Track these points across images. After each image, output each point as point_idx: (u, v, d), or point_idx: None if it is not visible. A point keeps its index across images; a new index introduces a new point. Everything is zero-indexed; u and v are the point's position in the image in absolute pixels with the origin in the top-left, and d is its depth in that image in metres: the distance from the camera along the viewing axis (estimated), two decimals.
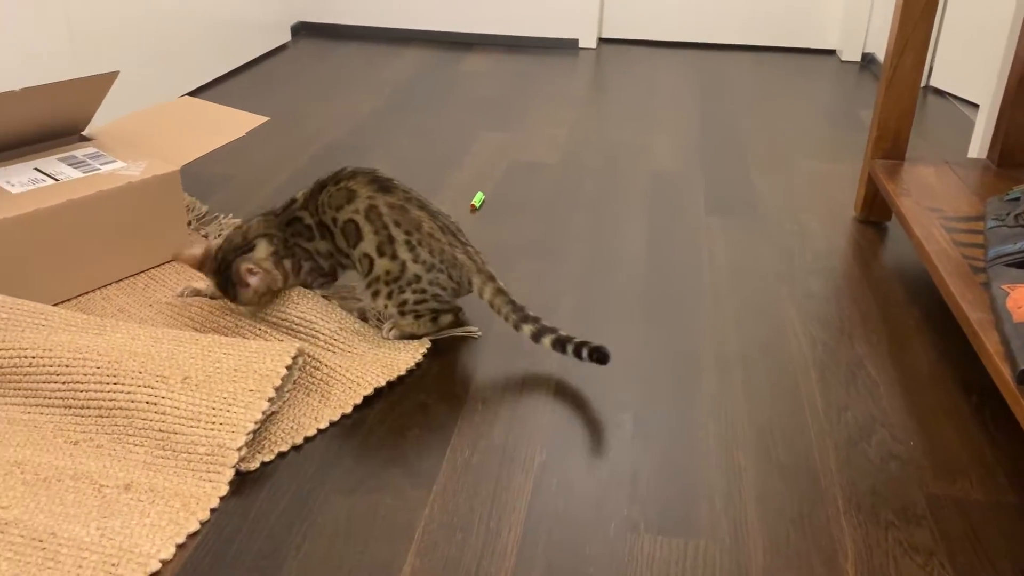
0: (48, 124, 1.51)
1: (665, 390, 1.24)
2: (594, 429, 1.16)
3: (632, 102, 2.57)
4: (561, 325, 1.39)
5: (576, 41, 3.15)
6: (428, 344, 1.30)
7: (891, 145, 1.73)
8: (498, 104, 2.52)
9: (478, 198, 1.83)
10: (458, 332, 1.33)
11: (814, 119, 2.45)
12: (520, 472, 1.07)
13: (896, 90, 1.67)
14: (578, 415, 1.18)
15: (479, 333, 1.34)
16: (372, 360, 1.26)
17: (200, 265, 1.29)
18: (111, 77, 1.52)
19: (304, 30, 3.27)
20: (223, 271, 1.28)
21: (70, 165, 1.46)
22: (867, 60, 3.06)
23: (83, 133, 1.61)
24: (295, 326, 1.30)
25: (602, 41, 3.26)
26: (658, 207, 1.85)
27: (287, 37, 3.10)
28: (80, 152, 1.51)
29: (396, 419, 1.16)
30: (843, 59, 3.11)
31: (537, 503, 1.02)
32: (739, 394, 1.24)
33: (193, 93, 2.50)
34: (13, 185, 1.37)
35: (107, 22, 2.08)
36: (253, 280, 1.26)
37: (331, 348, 1.29)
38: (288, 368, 1.13)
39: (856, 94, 2.71)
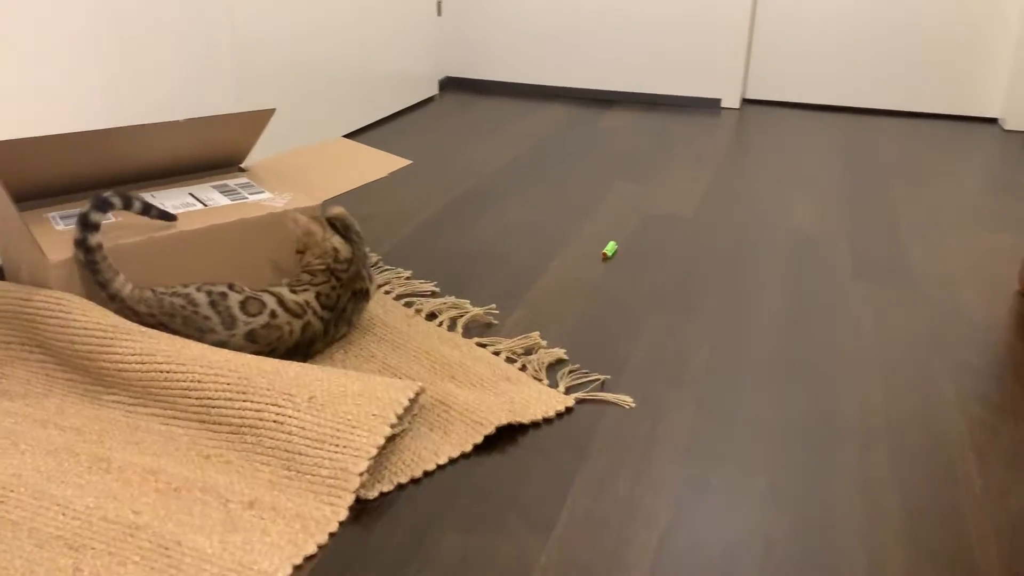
0: (208, 155, 1.60)
1: (803, 456, 1.16)
2: (725, 490, 1.09)
3: (774, 162, 2.50)
4: (691, 381, 1.34)
5: (718, 101, 3.12)
6: (570, 402, 1.26)
7: None
8: (635, 158, 2.51)
9: (610, 247, 1.81)
10: (609, 398, 1.29)
11: (974, 187, 2.31)
12: (644, 528, 1.02)
13: None
14: (708, 473, 1.12)
15: (632, 404, 1.28)
16: (499, 399, 1.24)
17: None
18: (268, 114, 1.60)
19: (451, 84, 3.38)
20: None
21: (221, 192, 1.53)
22: None
23: (240, 166, 1.69)
24: (427, 353, 1.30)
25: (746, 102, 3.20)
26: (799, 268, 1.77)
27: (435, 90, 3.21)
28: (233, 182, 1.59)
29: (516, 462, 1.13)
30: (1006, 128, 2.93)
31: (661, 563, 0.96)
32: (885, 468, 1.14)
33: (345, 137, 2.60)
34: (167, 208, 1.45)
35: (271, 65, 2.21)
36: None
37: (457, 380, 1.28)
38: (410, 401, 1.13)
39: (1022, 164, 2.55)
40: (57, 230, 1.35)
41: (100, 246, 1.25)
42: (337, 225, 1.39)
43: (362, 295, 1.39)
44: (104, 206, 1.25)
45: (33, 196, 1.45)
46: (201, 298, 1.26)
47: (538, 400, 1.25)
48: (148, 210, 1.33)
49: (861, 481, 1.11)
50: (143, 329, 1.22)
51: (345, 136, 2.62)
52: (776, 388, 1.33)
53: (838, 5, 3.01)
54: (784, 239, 1.92)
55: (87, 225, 1.24)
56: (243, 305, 1.26)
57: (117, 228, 1.36)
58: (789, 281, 1.71)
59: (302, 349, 1.31)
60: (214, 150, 1.60)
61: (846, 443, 1.19)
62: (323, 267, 1.34)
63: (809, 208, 2.13)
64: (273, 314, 1.27)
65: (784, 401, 1.29)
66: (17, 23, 1.51)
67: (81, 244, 1.24)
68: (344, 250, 1.36)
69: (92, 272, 1.24)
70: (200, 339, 1.24)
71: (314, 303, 1.31)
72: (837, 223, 2.03)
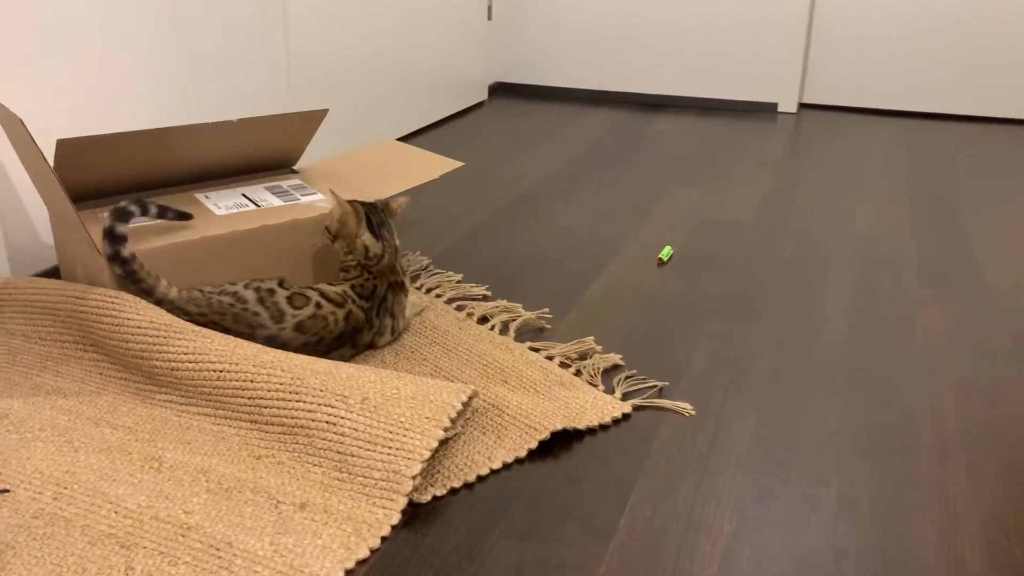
0: (261, 156, 1.60)
1: (873, 467, 1.11)
2: (791, 501, 1.04)
3: (835, 167, 2.44)
4: (752, 388, 1.30)
5: (775, 105, 3.05)
6: (627, 409, 1.22)
7: None
8: (689, 163, 2.46)
9: (666, 252, 1.77)
10: (667, 405, 1.25)
11: None
12: (707, 539, 0.97)
13: None
14: (773, 484, 1.07)
15: (691, 411, 1.24)
16: (552, 404, 1.20)
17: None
18: (321, 114, 1.59)
19: (501, 90, 3.37)
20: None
21: (274, 194, 1.52)
22: None
23: (293, 168, 1.69)
24: (479, 357, 1.27)
25: (803, 106, 3.13)
26: (863, 274, 1.71)
27: (484, 96, 3.20)
28: (285, 183, 1.58)
29: (572, 468, 1.10)
30: None
31: (725, 575, 0.92)
32: (962, 480, 1.08)
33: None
34: (219, 208, 1.45)
35: (324, 70, 2.21)
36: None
37: (510, 385, 1.25)
38: (463, 405, 1.10)
39: None
40: None
41: (134, 256, 1.25)
42: (372, 220, 1.38)
43: (398, 287, 1.39)
44: (125, 216, 1.24)
45: (89, 195, 1.46)
46: (250, 295, 1.26)
47: (594, 406, 1.22)
48: (164, 212, 1.32)
49: (936, 494, 1.05)
50: (196, 328, 1.21)
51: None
52: (842, 396, 1.27)
53: (899, 6, 2.93)
54: (848, 244, 1.86)
55: (116, 238, 1.23)
56: (290, 300, 1.27)
57: (169, 228, 1.36)
58: (854, 287, 1.65)
59: (348, 337, 1.31)
60: (267, 151, 1.60)
61: (918, 454, 1.13)
62: (355, 263, 1.37)
63: (873, 213, 2.06)
64: (318, 305, 1.28)
65: (851, 410, 1.24)
66: (78, 25, 1.53)
67: (115, 258, 1.24)
68: (374, 247, 1.36)
69: (133, 282, 1.24)
70: (251, 335, 1.24)
71: (351, 293, 1.33)
72: (903, 229, 1.96)
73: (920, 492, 1.06)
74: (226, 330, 1.24)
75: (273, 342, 1.24)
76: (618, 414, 1.21)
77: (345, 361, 1.30)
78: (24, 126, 1.21)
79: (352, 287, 1.34)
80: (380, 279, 1.36)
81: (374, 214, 1.39)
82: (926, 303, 1.58)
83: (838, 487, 1.07)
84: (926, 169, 2.42)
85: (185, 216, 1.36)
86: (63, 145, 1.31)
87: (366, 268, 1.36)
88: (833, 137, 2.76)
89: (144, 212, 1.29)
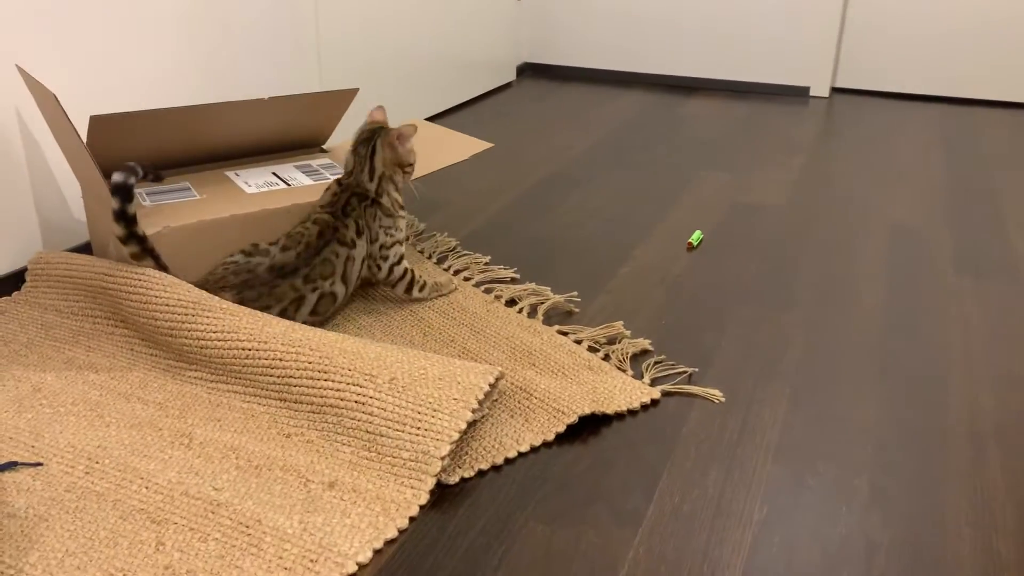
0: (292, 134, 1.60)
1: (906, 458, 1.09)
2: (823, 489, 1.03)
3: (868, 152, 2.40)
4: (785, 376, 1.29)
5: (807, 89, 3.00)
6: (656, 394, 1.21)
7: None
8: (720, 146, 2.43)
9: (696, 236, 1.75)
10: (697, 391, 1.23)
11: None
12: (737, 527, 0.96)
13: None
14: (804, 471, 1.06)
15: (721, 398, 1.22)
16: (581, 388, 1.20)
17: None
18: (351, 93, 1.58)
19: (529, 70, 3.34)
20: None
21: (304, 172, 1.52)
22: None
23: (323, 147, 1.68)
24: (507, 339, 1.27)
25: (835, 90, 3.08)
26: (898, 261, 1.68)
27: (512, 76, 3.17)
28: (315, 162, 1.58)
29: (601, 453, 1.09)
30: None
31: (755, 563, 0.91)
32: (997, 474, 1.06)
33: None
34: (250, 186, 1.45)
35: (354, 49, 2.20)
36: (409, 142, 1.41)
37: (538, 368, 1.24)
38: (490, 386, 1.09)
39: None
40: (144, 206, 1.36)
41: (152, 248, 1.28)
42: (360, 139, 1.41)
43: (362, 197, 1.39)
44: (126, 192, 1.23)
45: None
46: (238, 256, 1.32)
47: (622, 391, 1.21)
48: (145, 175, 1.29)
49: (971, 487, 1.04)
50: (225, 306, 1.21)
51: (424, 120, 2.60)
52: (876, 385, 1.25)
53: None
54: (882, 230, 1.83)
55: (128, 219, 1.23)
56: (275, 243, 1.34)
57: (201, 204, 1.37)
58: (888, 274, 1.62)
59: (329, 235, 1.35)
60: (298, 129, 1.59)
61: (953, 446, 1.12)
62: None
63: (908, 199, 2.02)
64: (289, 233, 1.36)
65: (885, 399, 1.22)
66: (112, 3, 1.53)
67: (141, 245, 1.26)
68: (348, 163, 1.41)
69: (165, 268, 1.27)
70: (252, 273, 1.28)
71: (317, 209, 1.39)
72: (938, 215, 1.92)
73: (955, 484, 1.04)
74: (240, 292, 1.27)
75: (273, 268, 1.30)
76: (647, 399, 1.20)
77: (342, 258, 1.35)
78: (58, 102, 1.22)
79: (321, 206, 1.39)
80: (345, 191, 1.39)
81: (369, 135, 1.41)
82: (962, 292, 1.55)
83: (871, 477, 1.05)
84: (961, 155, 2.38)
85: (159, 177, 1.36)
86: (96, 121, 1.32)
87: (338, 181, 1.41)
88: (866, 122, 2.72)
89: (136, 176, 1.25)
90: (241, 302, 1.26)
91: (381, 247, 1.40)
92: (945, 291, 1.55)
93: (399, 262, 1.42)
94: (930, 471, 1.07)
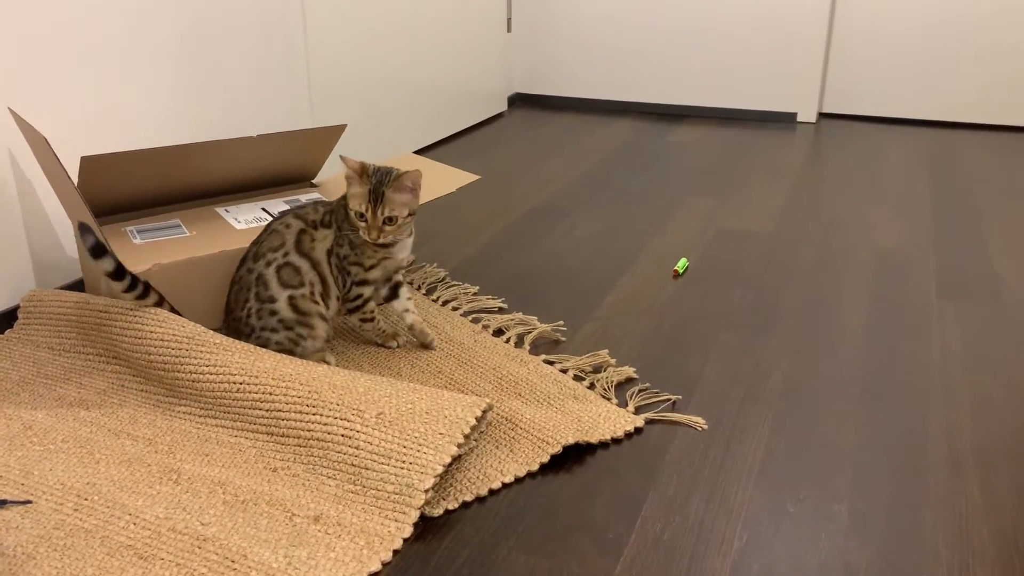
0: (281, 170, 1.62)
1: (886, 483, 1.10)
2: (803, 516, 1.04)
3: (853, 177, 2.43)
4: (768, 402, 1.30)
5: (794, 115, 3.04)
6: (640, 422, 1.23)
7: None
8: (707, 173, 2.46)
9: (682, 264, 1.77)
10: (680, 419, 1.24)
11: None
12: (717, 554, 0.98)
13: None
14: (784, 498, 1.07)
15: (704, 425, 1.24)
16: (566, 418, 1.21)
17: (361, 171, 1.30)
18: (339, 129, 1.61)
19: (520, 100, 3.38)
20: (376, 182, 1.28)
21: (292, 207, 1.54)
22: None
23: (312, 181, 1.71)
24: (494, 370, 1.28)
25: (822, 116, 3.12)
26: (881, 285, 1.70)
27: (503, 107, 3.21)
28: (304, 197, 1.60)
29: (584, 482, 1.10)
30: None
31: None
32: (976, 497, 1.08)
33: (416, 153, 2.62)
34: (239, 222, 1.48)
35: (344, 82, 2.24)
36: (413, 193, 1.30)
37: (524, 398, 1.26)
38: (477, 420, 1.11)
39: None
40: (134, 243, 1.39)
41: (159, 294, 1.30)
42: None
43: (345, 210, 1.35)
44: (100, 251, 1.21)
45: (113, 210, 1.49)
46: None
47: (607, 419, 1.23)
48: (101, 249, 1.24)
49: (949, 510, 1.05)
50: (219, 341, 1.23)
51: (415, 152, 2.64)
52: (857, 410, 1.27)
53: (920, 16, 2.91)
54: (866, 255, 1.85)
55: (127, 275, 1.25)
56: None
57: (191, 241, 1.39)
58: (871, 298, 1.64)
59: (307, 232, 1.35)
60: (287, 165, 1.62)
61: (932, 469, 1.13)
62: None
63: (892, 224, 2.05)
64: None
65: (866, 424, 1.23)
66: (99, 42, 1.56)
67: (144, 286, 1.28)
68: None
69: (141, 295, 1.29)
70: (248, 280, 1.31)
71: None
72: (922, 239, 1.95)
73: (933, 508, 1.06)
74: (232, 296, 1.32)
75: (268, 265, 1.31)
76: (631, 428, 1.21)
77: (293, 229, 1.33)
78: (48, 144, 1.24)
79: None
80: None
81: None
82: (944, 315, 1.57)
83: (850, 502, 1.06)
84: (946, 179, 2.41)
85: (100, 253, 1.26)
86: (87, 162, 1.34)
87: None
88: (852, 147, 2.75)
89: (90, 231, 1.22)
90: (228, 306, 1.32)
91: (344, 259, 1.35)
92: (927, 314, 1.57)
93: (361, 285, 1.37)
94: (909, 495, 1.08)
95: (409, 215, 1.32)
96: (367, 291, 1.38)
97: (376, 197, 1.28)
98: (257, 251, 1.33)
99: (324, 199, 1.60)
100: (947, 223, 2.05)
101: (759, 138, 2.86)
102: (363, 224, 1.30)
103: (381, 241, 1.31)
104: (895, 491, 1.09)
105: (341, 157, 1.31)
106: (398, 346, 1.43)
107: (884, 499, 1.07)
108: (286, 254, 1.32)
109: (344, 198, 1.35)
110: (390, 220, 1.30)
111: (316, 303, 1.33)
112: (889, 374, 1.37)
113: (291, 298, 1.31)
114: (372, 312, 1.41)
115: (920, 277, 1.74)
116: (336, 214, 1.35)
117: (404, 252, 1.39)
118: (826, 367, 1.39)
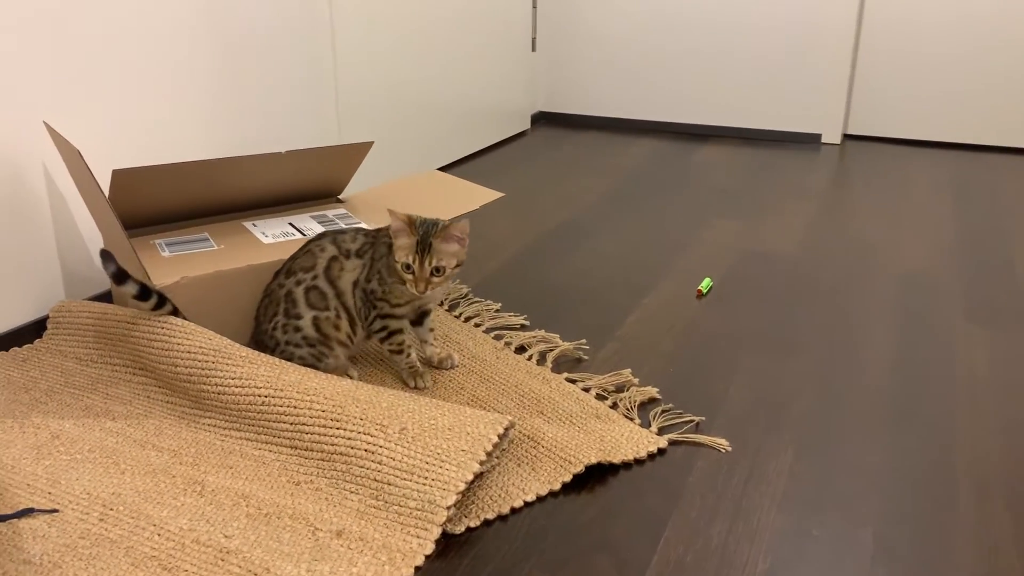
0: (308, 186, 1.64)
1: (913, 510, 1.09)
2: (828, 542, 1.03)
3: (879, 199, 2.41)
4: (792, 424, 1.29)
5: (819, 136, 3.03)
6: (663, 443, 1.22)
7: None
8: (731, 193, 2.45)
9: (705, 284, 1.76)
10: (704, 441, 1.24)
11: None
12: None
13: None
14: (809, 523, 1.06)
15: (728, 447, 1.23)
16: (588, 437, 1.21)
17: (408, 223, 1.28)
18: (366, 147, 1.63)
19: (543, 119, 3.40)
20: (424, 233, 1.27)
21: (319, 223, 1.56)
22: None
23: (339, 197, 1.73)
24: (516, 387, 1.28)
25: (847, 137, 3.11)
26: (907, 309, 1.69)
27: (527, 125, 3.23)
28: (331, 212, 1.62)
29: (606, 502, 1.10)
30: None
31: None
32: (1006, 526, 1.06)
33: (439, 170, 2.64)
34: (267, 236, 1.49)
35: (371, 100, 2.26)
36: (461, 243, 1.29)
37: (546, 416, 1.26)
38: (500, 437, 1.11)
39: None
40: (163, 256, 1.40)
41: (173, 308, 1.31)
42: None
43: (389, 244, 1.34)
44: (123, 278, 1.24)
45: (143, 223, 1.50)
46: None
47: (629, 440, 1.22)
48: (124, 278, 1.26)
49: (977, 538, 1.04)
50: (245, 353, 1.24)
51: (439, 169, 2.65)
52: (883, 435, 1.26)
53: (946, 38, 2.90)
54: (892, 278, 1.84)
55: (153, 294, 1.27)
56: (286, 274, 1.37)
57: (218, 255, 1.40)
58: (897, 322, 1.63)
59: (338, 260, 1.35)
60: (314, 181, 1.64)
61: (959, 496, 1.12)
62: None
63: (919, 246, 2.03)
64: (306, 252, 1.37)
65: (892, 449, 1.22)
66: (135, 59, 1.59)
67: (167, 302, 1.30)
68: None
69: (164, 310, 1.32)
70: (277, 299, 1.33)
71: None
72: (949, 263, 1.93)
73: (960, 535, 1.04)
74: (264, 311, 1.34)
75: (298, 284, 1.33)
76: (653, 448, 1.21)
77: (327, 253, 1.34)
78: (81, 157, 1.26)
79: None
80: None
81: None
82: (971, 340, 1.55)
83: (875, 528, 1.05)
84: (973, 202, 2.39)
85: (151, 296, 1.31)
86: (118, 175, 1.36)
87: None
88: (877, 168, 2.74)
89: (110, 259, 1.24)
90: (257, 317, 1.35)
91: (371, 293, 1.34)
92: (954, 339, 1.56)
93: (386, 318, 1.35)
94: (936, 522, 1.07)
95: (457, 265, 1.30)
96: (393, 324, 1.36)
97: (424, 248, 1.26)
98: (291, 267, 1.34)
99: (351, 215, 1.61)
100: (974, 246, 2.03)
101: (783, 159, 2.85)
102: (410, 276, 1.28)
103: (428, 294, 1.30)
104: (921, 517, 1.07)
105: (389, 211, 1.29)
106: (425, 387, 1.37)
107: (910, 525, 1.06)
108: (315, 277, 1.33)
109: (383, 230, 1.35)
110: (438, 271, 1.28)
111: (338, 329, 1.34)
112: (915, 398, 1.36)
113: (316, 319, 1.32)
114: (401, 345, 1.37)
115: (947, 301, 1.72)
116: (376, 248, 1.35)
117: (438, 295, 1.37)
118: (851, 390, 1.38)
